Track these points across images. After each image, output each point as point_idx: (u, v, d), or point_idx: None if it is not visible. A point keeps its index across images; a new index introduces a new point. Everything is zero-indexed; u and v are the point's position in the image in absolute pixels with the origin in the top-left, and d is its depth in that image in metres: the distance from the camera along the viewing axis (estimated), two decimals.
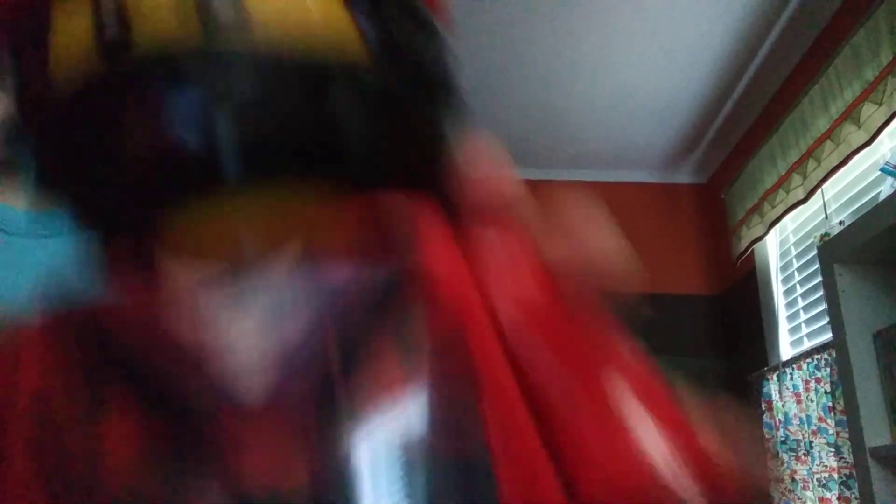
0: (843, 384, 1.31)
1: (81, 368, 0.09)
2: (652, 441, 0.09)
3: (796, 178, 2.01)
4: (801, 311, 2.11)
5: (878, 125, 1.61)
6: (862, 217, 1.28)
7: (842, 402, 1.60)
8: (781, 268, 2.30)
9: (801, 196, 1.98)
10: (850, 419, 1.28)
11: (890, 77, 1.55)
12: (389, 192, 0.10)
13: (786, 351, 2.19)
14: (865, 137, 1.66)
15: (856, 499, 1.56)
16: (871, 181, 1.75)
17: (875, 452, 1.21)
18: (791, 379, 1.93)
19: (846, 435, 1.56)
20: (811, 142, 1.91)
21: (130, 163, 0.10)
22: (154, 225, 0.10)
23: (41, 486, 0.09)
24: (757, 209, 2.28)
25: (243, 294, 0.09)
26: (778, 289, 2.29)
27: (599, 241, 0.11)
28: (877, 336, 1.28)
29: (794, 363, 1.92)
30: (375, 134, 0.11)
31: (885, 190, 1.46)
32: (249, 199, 0.10)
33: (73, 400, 0.09)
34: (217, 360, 0.09)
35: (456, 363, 0.09)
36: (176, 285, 0.09)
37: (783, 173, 2.09)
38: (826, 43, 1.96)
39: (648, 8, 2.03)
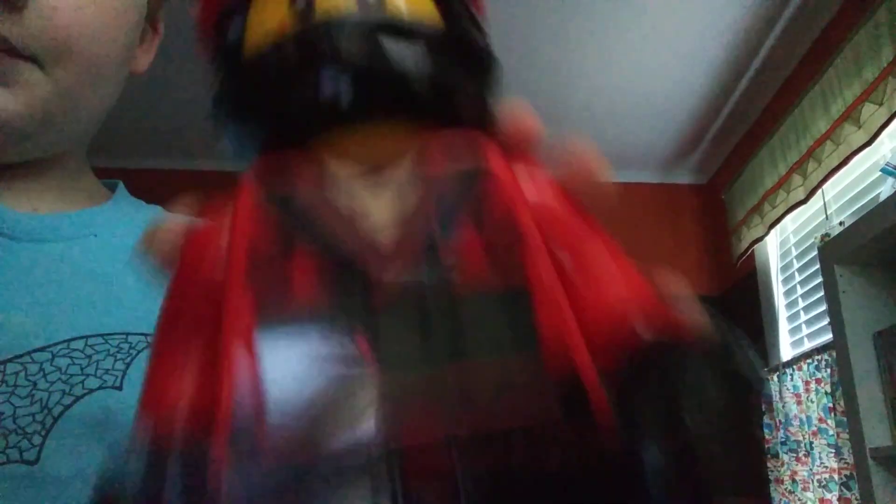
0: (844, 385, 1.31)
1: (275, 221, 0.15)
2: (633, 284, 0.16)
3: (797, 179, 2.01)
4: (802, 312, 2.11)
5: (879, 126, 1.61)
6: (862, 217, 1.28)
7: (842, 403, 1.59)
8: (782, 268, 2.30)
9: (802, 196, 1.98)
10: (851, 420, 1.28)
11: (890, 77, 1.55)
12: (465, 128, 0.17)
13: (786, 351, 2.19)
14: (866, 138, 1.66)
15: (856, 500, 1.56)
16: (872, 182, 1.75)
17: (875, 453, 1.21)
18: (791, 380, 1.93)
19: (846, 436, 1.56)
20: (811, 142, 1.91)
21: (305, 97, 0.16)
22: (318, 141, 0.16)
23: (251, 304, 0.14)
24: (757, 209, 2.28)
25: (378, 182, 0.15)
26: (778, 289, 2.29)
27: (587, 165, 0.18)
28: (877, 336, 1.28)
29: (794, 364, 1.92)
30: (455, 86, 0.17)
31: (885, 190, 1.46)
32: (380, 128, 0.16)
33: (272, 242, 0.15)
34: (362, 221, 0.15)
35: (509, 229, 0.15)
36: (335, 176, 0.16)
37: (783, 174, 2.09)
38: (826, 43, 1.96)
39: (648, 8, 2.03)
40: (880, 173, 1.58)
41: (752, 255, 2.43)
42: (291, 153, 0.16)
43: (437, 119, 0.17)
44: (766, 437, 2.01)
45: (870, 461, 1.21)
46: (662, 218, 2.96)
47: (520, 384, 0.14)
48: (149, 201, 0.50)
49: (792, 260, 2.21)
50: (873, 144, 1.66)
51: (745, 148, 2.53)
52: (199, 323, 0.15)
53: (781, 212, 2.10)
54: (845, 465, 1.59)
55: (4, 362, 0.32)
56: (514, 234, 0.15)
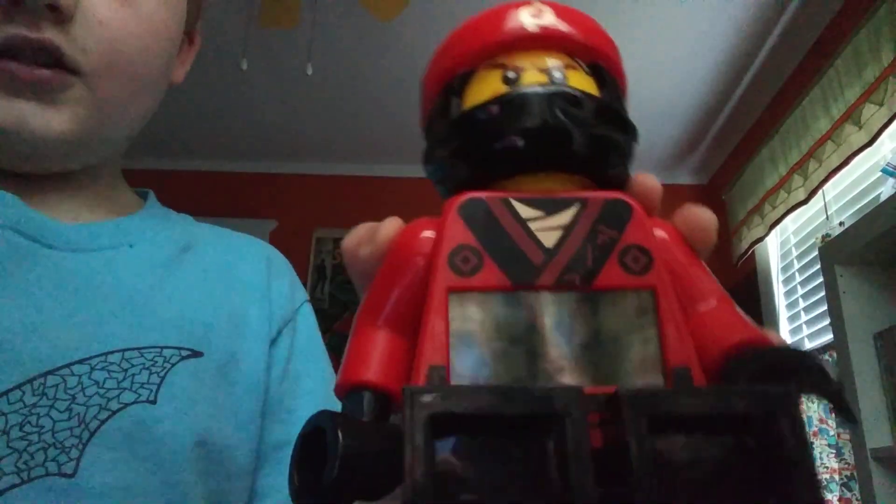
0: (844, 385, 1.31)
1: (472, 234, 0.19)
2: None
3: (797, 179, 2.01)
4: (802, 312, 2.10)
5: (879, 126, 1.61)
6: (863, 218, 1.28)
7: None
8: (782, 269, 2.30)
9: (802, 197, 1.98)
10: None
11: (891, 78, 1.55)
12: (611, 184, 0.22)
13: None
14: (866, 138, 1.66)
15: (857, 500, 1.56)
16: (872, 182, 1.75)
17: (876, 453, 1.21)
18: None
19: (847, 436, 1.56)
20: (812, 142, 1.91)
21: (503, 143, 0.20)
22: (503, 183, 0.21)
23: (447, 285, 0.19)
24: (758, 210, 2.27)
25: (551, 213, 0.19)
26: (779, 290, 2.29)
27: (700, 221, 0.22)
28: (878, 337, 1.28)
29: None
30: (608, 146, 0.21)
31: (885, 191, 1.46)
32: (550, 177, 0.21)
33: (469, 247, 0.19)
34: (537, 236, 0.19)
35: (644, 259, 0.19)
36: (518, 209, 0.20)
37: (784, 174, 2.09)
38: (827, 44, 1.96)
39: (649, 9, 2.03)
40: (881, 174, 1.58)
41: (752, 256, 2.43)
42: (484, 189, 0.21)
43: (591, 173, 0.21)
44: None
45: (870, 461, 1.21)
46: (663, 218, 2.96)
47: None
48: None
49: (792, 260, 2.21)
50: (874, 145, 1.66)
51: (745, 148, 2.53)
52: (404, 295, 0.20)
53: (782, 212, 2.10)
54: (846, 466, 1.59)
55: (45, 374, 0.33)
56: (647, 259, 0.19)
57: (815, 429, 1.78)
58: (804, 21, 2.02)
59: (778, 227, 2.22)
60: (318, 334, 0.50)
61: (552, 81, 0.21)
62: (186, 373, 0.37)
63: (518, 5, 0.23)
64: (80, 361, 0.34)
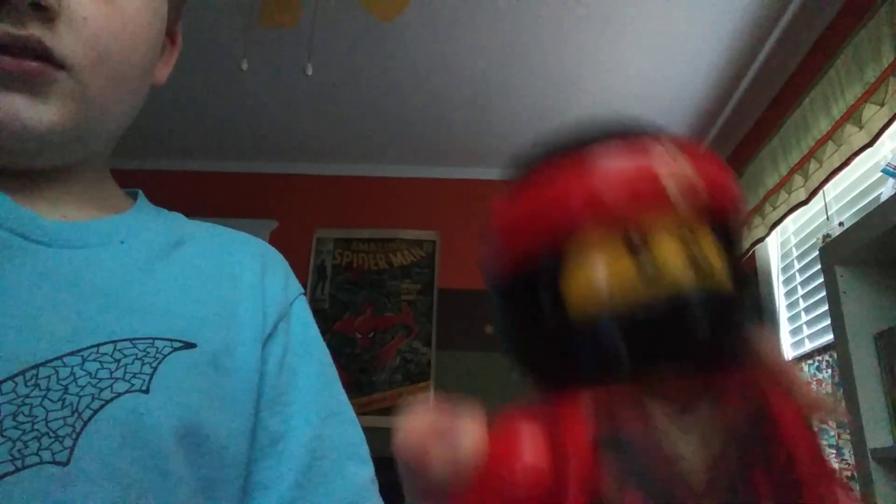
0: (845, 385, 1.31)
1: (610, 464, 0.15)
2: None
3: (798, 180, 2.01)
4: (803, 313, 2.10)
5: (880, 126, 1.60)
6: (863, 218, 1.28)
7: (843, 404, 1.59)
8: (783, 269, 2.30)
9: (803, 197, 1.98)
10: (852, 421, 1.28)
11: (891, 78, 1.55)
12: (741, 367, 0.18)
13: (787, 352, 2.18)
14: (867, 139, 1.66)
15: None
16: (873, 182, 1.74)
17: (876, 454, 1.21)
18: None
19: (847, 436, 1.56)
20: (812, 143, 1.91)
21: (644, 354, 0.17)
22: (634, 380, 0.17)
23: None
24: (758, 210, 2.27)
25: (687, 425, 0.16)
26: (779, 290, 2.29)
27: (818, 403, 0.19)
28: (878, 337, 1.27)
29: (795, 364, 1.92)
30: (740, 337, 0.18)
31: (886, 191, 1.46)
32: (677, 369, 0.17)
33: (608, 486, 0.15)
34: (680, 465, 0.15)
35: (792, 473, 0.16)
36: (654, 416, 0.16)
37: (784, 174, 2.09)
38: (827, 44, 1.96)
39: (649, 10, 2.03)
40: (881, 174, 1.58)
41: (753, 256, 2.43)
42: (612, 391, 0.17)
43: (720, 361, 0.18)
44: None
45: (871, 461, 1.21)
46: None
47: None
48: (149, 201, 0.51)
49: (793, 261, 2.21)
50: (874, 145, 1.66)
51: (746, 148, 2.53)
52: None
53: (782, 212, 2.10)
54: (846, 466, 1.59)
55: (37, 366, 0.33)
56: (795, 477, 0.17)
57: (816, 429, 1.78)
58: (804, 21, 2.02)
59: (778, 228, 2.22)
60: (314, 327, 0.50)
61: (694, 268, 0.17)
62: (179, 364, 0.38)
63: (645, 144, 0.18)
64: (72, 353, 0.34)
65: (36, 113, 0.37)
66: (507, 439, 0.16)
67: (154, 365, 0.36)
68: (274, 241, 3.26)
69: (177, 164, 3.06)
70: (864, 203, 1.77)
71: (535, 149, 0.21)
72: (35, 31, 0.35)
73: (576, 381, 0.17)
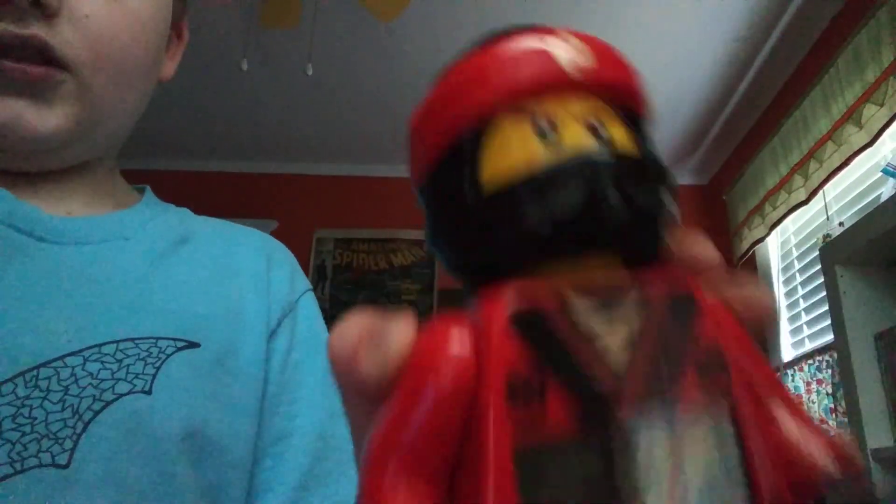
0: (845, 386, 1.31)
1: (529, 348, 0.15)
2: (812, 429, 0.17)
3: (798, 180, 2.01)
4: (803, 313, 2.10)
5: (880, 126, 1.61)
6: (863, 218, 1.28)
7: (843, 404, 1.59)
8: (783, 269, 2.30)
9: (803, 197, 1.98)
10: (852, 421, 1.28)
11: (891, 78, 1.55)
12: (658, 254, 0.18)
13: (787, 352, 2.18)
14: (867, 139, 1.66)
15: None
16: (873, 182, 1.75)
17: (877, 454, 1.21)
18: (792, 380, 1.93)
19: (848, 437, 1.56)
20: (812, 143, 1.91)
21: (550, 225, 0.16)
22: (539, 269, 0.17)
23: (511, 434, 0.14)
24: (758, 210, 2.27)
25: (607, 309, 0.16)
26: (779, 290, 2.29)
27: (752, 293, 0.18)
28: (878, 337, 1.28)
29: (795, 364, 1.92)
30: (657, 216, 0.18)
31: (886, 191, 1.46)
32: (594, 258, 0.17)
33: (528, 370, 0.15)
34: (601, 347, 0.15)
35: (718, 362, 0.16)
36: (574, 304, 0.16)
37: (784, 174, 2.09)
38: (827, 44, 1.96)
39: (649, 10, 2.04)
40: (881, 174, 1.58)
41: (753, 256, 2.43)
42: (530, 279, 0.16)
43: (637, 247, 0.18)
44: None
45: (871, 462, 1.21)
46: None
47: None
48: None
49: (793, 261, 2.21)
50: (874, 145, 1.66)
51: (746, 149, 2.53)
52: (433, 440, 0.15)
53: (782, 213, 2.10)
54: None
55: (38, 367, 0.33)
56: (722, 366, 0.16)
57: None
58: (804, 21, 2.02)
59: (778, 228, 2.22)
60: (321, 324, 0.49)
61: (598, 139, 0.17)
62: (183, 363, 0.37)
63: (542, 33, 0.19)
64: (74, 353, 0.34)
65: (40, 117, 0.36)
66: (434, 336, 0.16)
67: (157, 365, 0.36)
68: None
69: (177, 164, 3.06)
70: (864, 203, 1.77)
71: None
72: (37, 29, 0.35)
73: (497, 268, 0.17)
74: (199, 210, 0.50)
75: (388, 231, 2.97)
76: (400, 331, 0.16)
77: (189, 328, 0.39)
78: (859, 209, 1.79)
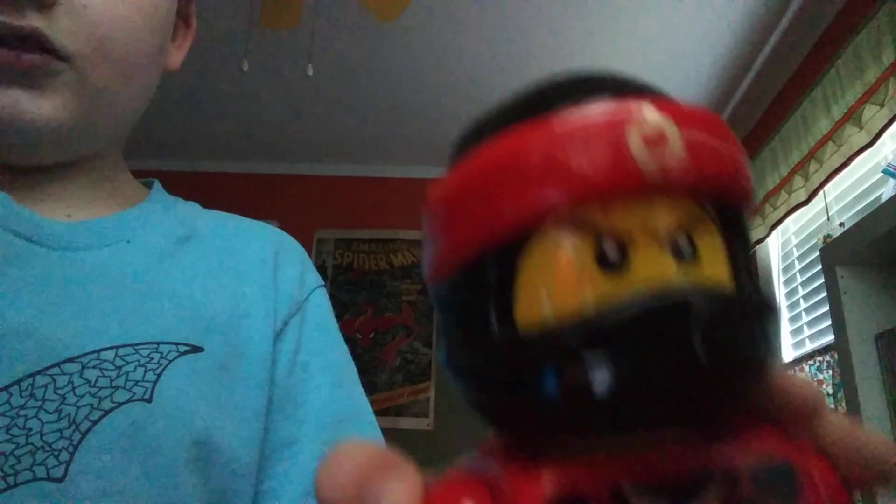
0: (845, 386, 1.31)
1: None
2: None
3: (798, 180, 2.01)
4: (803, 313, 2.10)
5: (880, 127, 1.60)
6: (864, 219, 1.28)
7: (844, 405, 1.59)
8: (783, 269, 2.30)
9: (803, 198, 1.98)
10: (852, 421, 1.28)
11: (892, 78, 1.55)
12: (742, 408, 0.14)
13: (788, 353, 2.18)
14: (867, 139, 1.66)
15: (858, 500, 1.55)
16: (873, 183, 1.74)
17: None
18: None
19: None
20: (813, 143, 1.91)
21: (609, 388, 0.12)
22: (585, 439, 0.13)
23: None
24: (759, 211, 2.27)
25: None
26: (780, 290, 2.28)
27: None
28: (879, 338, 1.27)
29: (796, 365, 1.92)
30: (747, 362, 0.13)
31: (887, 192, 1.45)
32: (657, 432, 0.13)
33: None
34: None
35: None
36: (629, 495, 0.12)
37: (785, 175, 2.09)
38: (828, 44, 1.96)
39: (649, 11, 2.03)
40: (882, 174, 1.58)
41: (753, 256, 2.43)
42: (572, 455, 0.13)
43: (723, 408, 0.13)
44: None
45: None
46: None
47: None
48: None
49: (793, 261, 2.21)
50: (875, 146, 1.66)
51: (746, 149, 2.52)
52: None
53: (783, 213, 2.10)
54: None
55: (34, 374, 0.32)
56: None
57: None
58: (805, 22, 2.02)
59: (779, 228, 2.21)
60: (332, 322, 0.47)
61: (680, 262, 0.13)
62: (185, 369, 0.36)
63: (615, 116, 0.13)
64: (71, 360, 0.33)
65: (37, 107, 0.35)
66: None
67: (158, 371, 0.35)
68: None
69: (177, 164, 3.06)
70: (864, 203, 1.77)
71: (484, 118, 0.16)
72: (34, 20, 0.34)
73: (531, 431, 0.13)
74: None
75: (388, 231, 2.96)
76: (401, 495, 0.12)
77: (192, 331, 0.38)
78: (860, 210, 1.79)
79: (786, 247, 2.28)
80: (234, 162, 3.07)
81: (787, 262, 2.27)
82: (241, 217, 0.49)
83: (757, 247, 2.35)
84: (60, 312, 0.34)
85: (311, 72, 1.98)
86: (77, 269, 0.37)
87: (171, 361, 0.35)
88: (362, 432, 0.43)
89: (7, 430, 0.30)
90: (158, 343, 0.36)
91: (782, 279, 2.29)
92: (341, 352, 0.46)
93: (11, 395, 0.31)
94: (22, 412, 0.31)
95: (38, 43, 0.34)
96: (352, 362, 0.47)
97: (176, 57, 0.47)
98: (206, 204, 0.50)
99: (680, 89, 2.42)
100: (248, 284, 0.43)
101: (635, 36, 2.15)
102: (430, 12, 2.06)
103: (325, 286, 0.49)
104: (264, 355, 0.41)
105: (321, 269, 2.87)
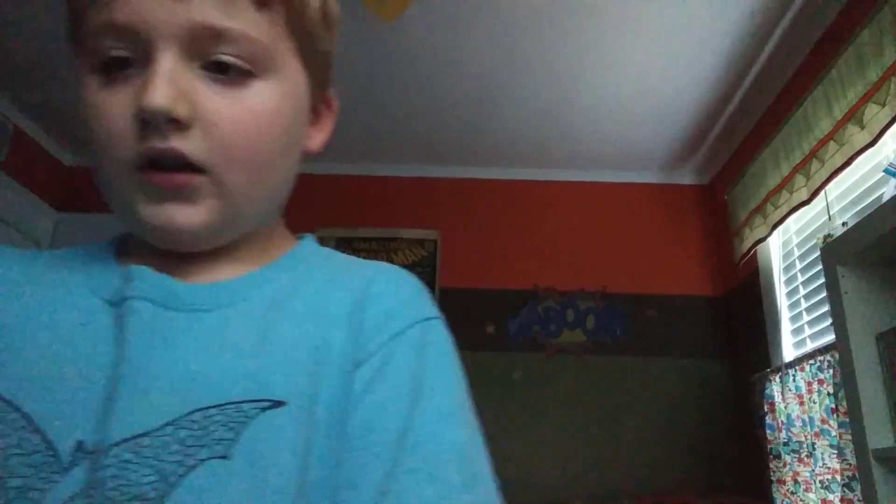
0: (846, 386, 1.31)
1: None
2: None
3: (799, 179, 2.01)
4: (804, 313, 2.10)
5: (882, 126, 1.60)
6: (865, 218, 1.28)
7: (844, 404, 1.59)
8: (784, 269, 2.30)
9: (805, 197, 1.97)
10: (853, 421, 1.28)
11: (893, 78, 1.55)
12: None
13: (788, 352, 2.18)
14: (868, 138, 1.66)
15: (858, 500, 1.55)
16: (875, 182, 1.74)
17: (878, 454, 1.21)
18: (794, 380, 1.93)
19: (849, 437, 1.56)
20: (814, 143, 1.91)
21: None
22: None
23: None
24: (760, 210, 2.27)
25: None
26: (781, 290, 2.28)
27: None
28: (880, 338, 1.27)
29: (796, 365, 1.92)
30: None
31: (888, 191, 1.45)
32: None
33: None
34: None
35: None
36: None
37: (786, 174, 2.09)
38: (829, 44, 1.96)
39: (652, 9, 2.03)
40: (883, 174, 1.57)
41: (754, 256, 2.43)
42: None
43: None
44: (769, 437, 2.01)
45: (872, 462, 1.21)
46: (665, 218, 2.96)
47: None
48: None
49: (794, 261, 2.21)
50: (876, 145, 1.66)
51: (747, 148, 2.53)
52: None
53: (784, 212, 2.10)
54: (847, 466, 1.59)
55: (140, 436, 0.36)
56: None
57: (818, 429, 1.78)
58: (807, 21, 2.02)
59: (780, 228, 2.21)
60: (428, 363, 0.44)
61: None
62: (266, 424, 0.38)
63: None
64: (170, 423, 0.37)
65: (187, 216, 0.42)
66: None
67: (237, 430, 0.37)
68: None
69: None
70: (866, 203, 1.77)
71: None
72: (175, 142, 0.40)
73: None
74: None
75: (389, 230, 2.97)
76: None
77: (276, 387, 0.40)
78: (861, 209, 1.79)
79: (787, 246, 2.28)
80: None
81: (788, 262, 2.27)
82: (365, 260, 0.51)
83: (758, 246, 2.35)
84: (170, 376, 0.39)
85: None
86: (194, 331, 0.41)
87: (251, 419, 0.38)
88: (432, 480, 0.39)
89: (114, 480, 0.35)
90: (240, 402, 0.39)
91: (783, 278, 2.29)
92: (443, 388, 0.43)
93: (121, 451, 0.36)
94: (127, 466, 0.36)
95: (180, 161, 0.41)
96: (454, 397, 0.44)
97: (316, 139, 0.52)
98: None
99: (682, 88, 2.42)
100: (331, 330, 0.44)
101: (638, 35, 2.15)
102: (431, 12, 2.06)
103: (434, 319, 0.46)
104: (340, 399, 0.41)
105: None
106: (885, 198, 1.42)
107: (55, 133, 2.89)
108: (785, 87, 2.27)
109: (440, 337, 0.46)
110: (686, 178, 3.03)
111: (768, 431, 2.01)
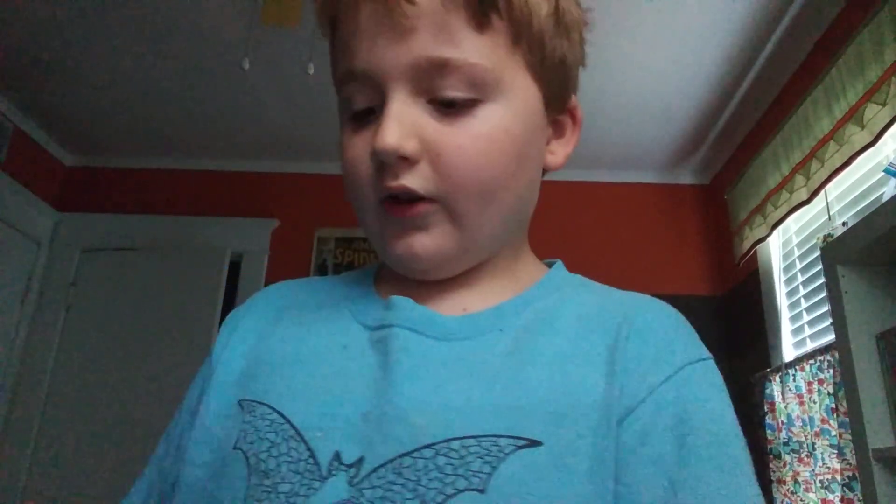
0: (846, 386, 1.31)
1: None
2: None
3: (799, 179, 2.01)
4: (804, 313, 2.10)
5: (882, 126, 1.60)
6: (865, 218, 1.28)
7: (844, 404, 1.59)
8: (784, 269, 2.30)
9: (805, 197, 1.97)
10: (853, 421, 1.28)
11: (893, 77, 1.55)
12: None
13: (788, 352, 2.18)
14: (869, 138, 1.66)
15: (858, 500, 1.55)
16: (875, 182, 1.74)
17: (878, 454, 1.21)
18: (794, 380, 1.92)
19: (849, 436, 1.56)
20: (814, 142, 1.91)
21: None
22: None
23: None
24: (760, 210, 2.27)
25: None
26: (781, 290, 2.28)
27: None
28: (880, 338, 1.27)
29: (796, 364, 1.92)
30: None
31: (888, 191, 1.45)
32: None
33: None
34: None
35: None
36: None
37: (786, 174, 2.09)
38: (829, 43, 1.96)
39: (651, 9, 2.03)
40: (883, 174, 1.57)
41: (754, 256, 2.43)
42: None
43: None
44: (769, 437, 2.00)
45: (872, 462, 1.21)
46: (665, 218, 2.96)
47: None
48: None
49: (794, 260, 2.21)
50: (876, 145, 1.66)
51: (747, 148, 2.53)
52: None
53: (784, 212, 2.10)
54: (847, 466, 1.59)
55: (402, 456, 0.38)
56: None
57: (818, 429, 1.78)
58: (807, 21, 2.02)
59: (780, 227, 2.21)
60: (704, 409, 0.41)
61: None
62: (521, 463, 0.37)
63: None
64: (428, 446, 0.38)
65: (423, 243, 0.44)
66: None
67: (494, 464, 0.37)
68: (275, 240, 3.21)
69: (179, 162, 3.06)
70: (866, 203, 1.77)
71: None
72: (404, 179, 0.43)
73: None
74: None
75: None
76: None
77: (532, 425, 0.38)
78: (861, 209, 1.79)
79: (787, 246, 2.28)
80: (235, 161, 3.07)
81: (788, 262, 2.27)
82: (618, 292, 0.49)
83: (758, 246, 2.35)
84: (428, 402, 0.40)
85: (312, 70, 1.98)
86: (451, 359, 0.43)
87: (507, 455, 0.38)
88: None
89: (381, 501, 0.37)
90: (498, 436, 0.39)
91: (783, 278, 2.29)
92: (720, 442, 0.40)
93: (387, 471, 0.38)
94: (391, 487, 0.37)
95: (412, 193, 0.43)
96: (731, 453, 0.41)
97: (560, 153, 0.52)
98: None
99: (682, 88, 2.42)
100: (589, 371, 0.42)
101: (638, 35, 2.15)
102: None
103: (708, 360, 0.44)
104: (601, 449, 0.39)
105: (322, 268, 2.87)
106: (885, 198, 1.42)
107: (55, 133, 2.89)
108: (785, 87, 2.27)
109: (715, 380, 0.43)
110: (686, 178, 3.03)
111: (768, 431, 2.01)
